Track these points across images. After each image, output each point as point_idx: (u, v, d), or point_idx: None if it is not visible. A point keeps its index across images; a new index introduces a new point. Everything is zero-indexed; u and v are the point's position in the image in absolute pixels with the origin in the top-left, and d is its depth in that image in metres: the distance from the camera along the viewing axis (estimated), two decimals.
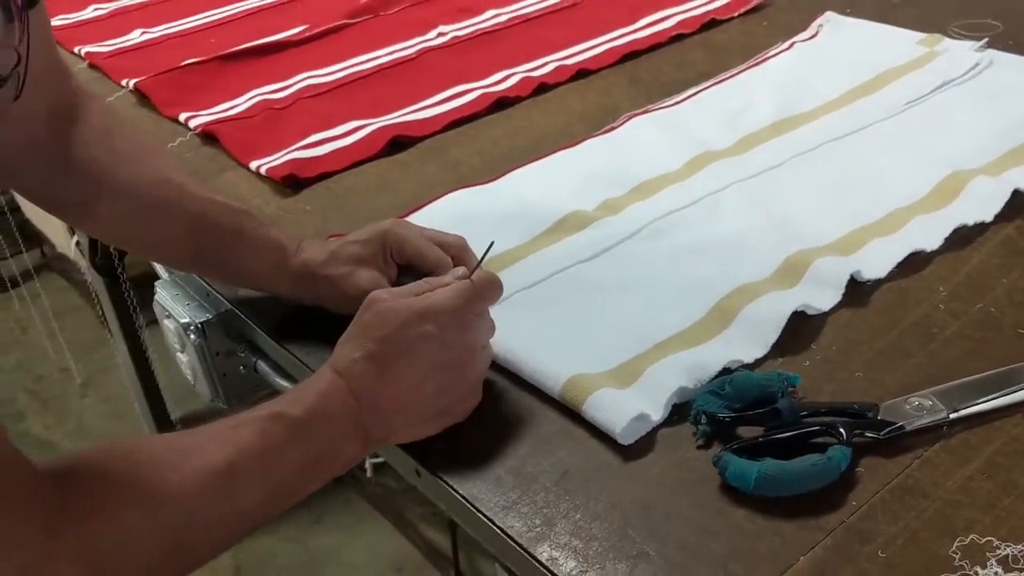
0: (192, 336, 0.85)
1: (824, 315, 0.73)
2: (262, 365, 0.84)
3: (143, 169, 0.76)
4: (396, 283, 0.76)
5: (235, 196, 0.96)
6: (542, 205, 0.89)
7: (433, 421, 0.64)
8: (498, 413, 0.67)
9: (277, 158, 1.00)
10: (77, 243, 1.46)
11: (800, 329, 0.71)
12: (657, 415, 0.65)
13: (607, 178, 0.93)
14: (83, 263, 1.46)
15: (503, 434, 0.65)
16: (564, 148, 0.98)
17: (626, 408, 0.64)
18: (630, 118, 1.02)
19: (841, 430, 0.60)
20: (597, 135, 1.00)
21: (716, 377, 0.67)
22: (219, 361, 0.87)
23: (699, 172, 0.92)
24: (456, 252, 0.76)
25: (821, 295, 0.74)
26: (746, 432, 0.63)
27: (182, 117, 1.11)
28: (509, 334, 0.71)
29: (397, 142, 1.03)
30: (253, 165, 1.00)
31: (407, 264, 0.76)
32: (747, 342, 0.70)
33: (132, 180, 0.75)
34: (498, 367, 0.71)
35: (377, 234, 0.75)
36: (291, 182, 0.97)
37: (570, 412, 0.66)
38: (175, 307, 0.86)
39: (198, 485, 0.53)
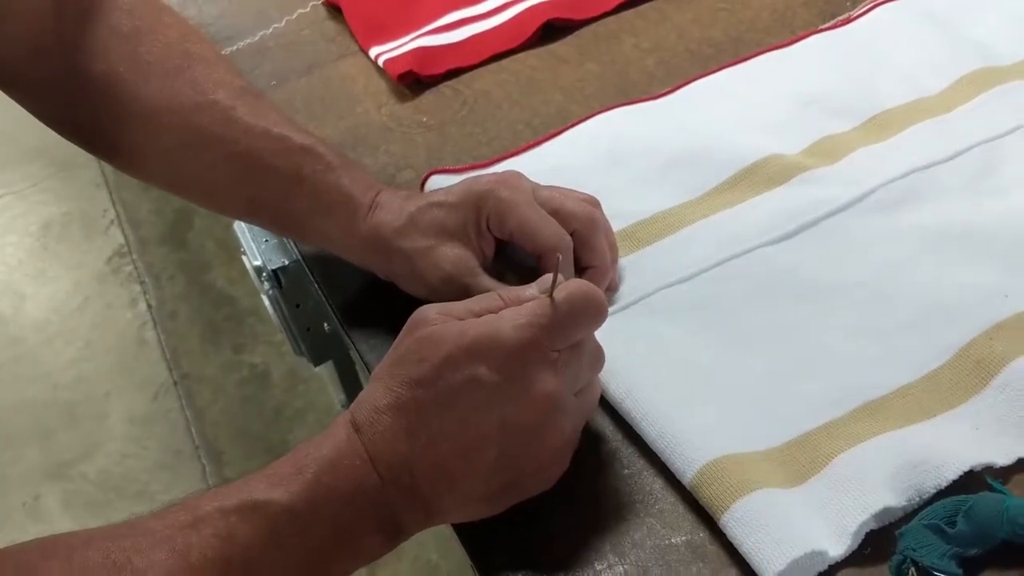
0: (265, 284, 0.69)
1: None
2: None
3: (178, 86, 0.57)
4: (493, 265, 0.55)
5: (347, 93, 0.77)
6: (727, 139, 0.63)
7: (492, 500, 0.45)
8: (597, 492, 0.46)
9: (401, 45, 0.79)
10: None
11: None
12: (839, 549, 0.42)
13: (830, 101, 0.65)
14: None
15: (598, 534, 0.45)
16: (774, 48, 0.70)
17: (791, 533, 0.41)
18: (876, 5, 0.71)
19: None
20: (825, 29, 0.71)
21: (945, 492, 0.42)
22: (300, 314, 0.70)
23: (973, 100, 0.62)
24: (582, 227, 0.53)
25: None
26: None
27: None
28: (630, 362, 0.49)
29: (552, 27, 0.78)
30: (373, 52, 0.80)
31: (508, 240, 0.54)
32: (1007, 427, 0.44)
33: (163, 101, 0.57)
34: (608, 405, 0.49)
35: (472, 197, 0.54)
36: (410, 81, 0.76)
37: (706, 513, 0.44)
38: (250, 244, 0.70)
39: None
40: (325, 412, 1.61)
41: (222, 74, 0.59)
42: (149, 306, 1.88)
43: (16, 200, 2.17)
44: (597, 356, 0.46)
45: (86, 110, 0.58)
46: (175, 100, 0.57)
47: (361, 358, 0.56)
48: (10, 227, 2.10)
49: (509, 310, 0.44)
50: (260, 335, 1.78)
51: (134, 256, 1.99)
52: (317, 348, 0.72)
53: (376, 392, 0.43)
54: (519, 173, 0.55)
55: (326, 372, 1.55)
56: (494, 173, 0.56)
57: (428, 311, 0.44)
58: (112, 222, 2.09)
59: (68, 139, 0.60)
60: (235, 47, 0.82)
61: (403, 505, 0.43)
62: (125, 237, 2.05)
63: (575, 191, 0.56)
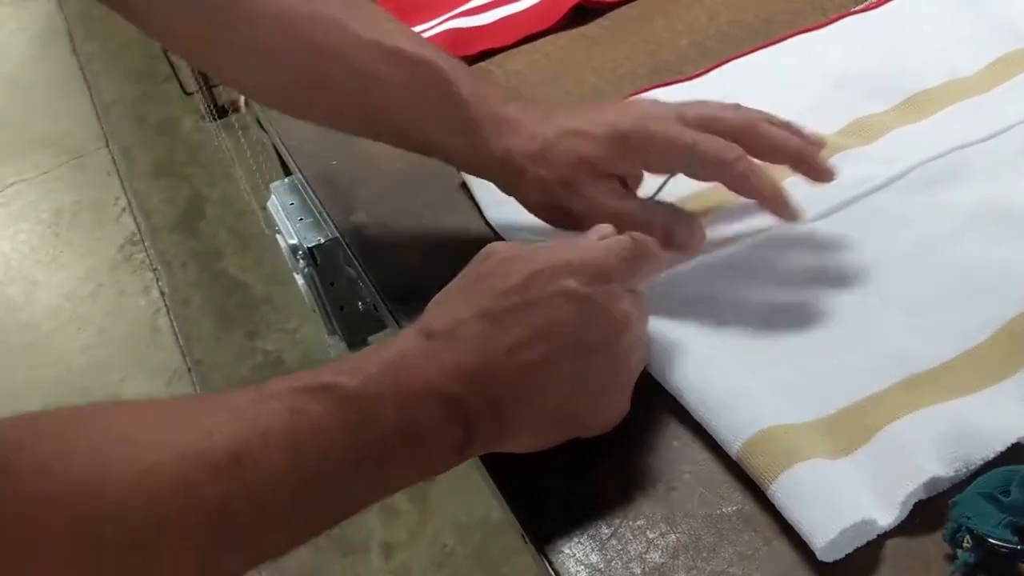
0: (300, 262, 0.69)
1: None
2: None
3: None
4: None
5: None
6: None
7: (558, 427, 0.45)
8: (648, 462, 0.47)
9: (433, 26, 0.80)
10: None
11: None
12: (888, 519, 0.42)
13: (865, 81, 0.65)
14: None
15: (649, 503, 0.45)
16: (807, 30, 0.71)
17: (840, 503, 0.42)
18: None
19: None
20: (858, 11, 0.71)
21: (995, 463, 0.43)
22: (335, 292, 0.71)
23: (1010, 80, 0.63)
24: (744, 137, 0.53)
25: None
26: None
27: None
28: (672, 335, 0.50)
29: (583, 9, 0.78)
30: None
31: (648, 171, 0.55)
32: None
33: (274, 10, 0.55)
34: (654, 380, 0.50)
35: (619, 132, 0.52)
36: None
37: (754, 483, 0.45)
38: (285, 222, 0.70)
39: (174, 472, 0.36)
40: None
41: None
42: (162, 293, 1.88)
43: (28, 188, 2.18)
44: (646, 309, 0.48)
45: (188, 15, 0.55)
46: (287, 8, 0.55)
47: None
48: (22, 214, 2.11)
49: (587, 242, 0.46)
50: (273, 322, 1.78)
51: (146, 244, 2.00)
52: (351, 327, 0.72)
53: (453, 306, 0.44)
54: (658, 102, 0.56)
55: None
56: (634, 104, 0.57)
57: (499, 245, 0.46)
58: (123, 210, 2.09)
59: (171, 49, 0.61)
60: None
61: (481, 412, 0.42)
62: (137, 225, 2.05)
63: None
